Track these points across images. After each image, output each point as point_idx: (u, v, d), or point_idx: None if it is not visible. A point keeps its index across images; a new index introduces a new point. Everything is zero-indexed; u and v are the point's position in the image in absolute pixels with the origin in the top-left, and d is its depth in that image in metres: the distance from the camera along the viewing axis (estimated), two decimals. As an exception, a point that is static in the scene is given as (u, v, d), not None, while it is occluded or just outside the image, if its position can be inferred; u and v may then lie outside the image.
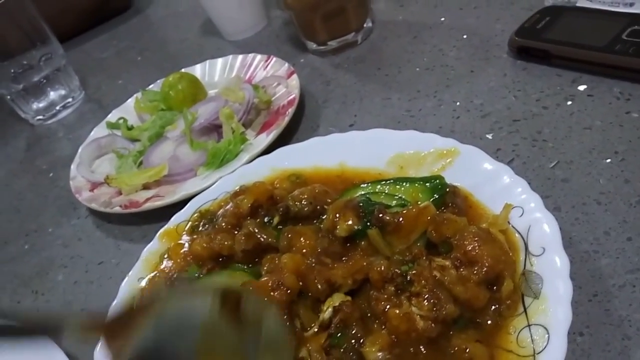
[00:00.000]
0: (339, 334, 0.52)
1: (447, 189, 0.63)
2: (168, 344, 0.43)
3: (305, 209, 0.67)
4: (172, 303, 0.45)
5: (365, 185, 0.67)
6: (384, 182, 0.66)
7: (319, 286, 0.55)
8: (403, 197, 0.63)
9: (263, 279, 0.56)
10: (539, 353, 0.47)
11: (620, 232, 0.60)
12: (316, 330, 0.53)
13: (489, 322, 0.52)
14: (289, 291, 0.54)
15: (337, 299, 0.54)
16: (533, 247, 0.55)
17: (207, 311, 0.44)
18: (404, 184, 0.64)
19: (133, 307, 0.44)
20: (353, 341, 0.51)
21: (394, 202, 0.62)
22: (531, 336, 0.49)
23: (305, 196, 0.68)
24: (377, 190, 0.65)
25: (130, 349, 0.42)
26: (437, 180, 0.63)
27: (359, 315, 0.53)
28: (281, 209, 0.68)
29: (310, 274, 0.55)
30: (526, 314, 0.51)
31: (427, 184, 0.63)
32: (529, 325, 0.50)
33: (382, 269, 0.52)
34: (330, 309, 0.53)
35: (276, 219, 0.69)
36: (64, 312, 0.40)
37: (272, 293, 0.53)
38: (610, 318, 0.53)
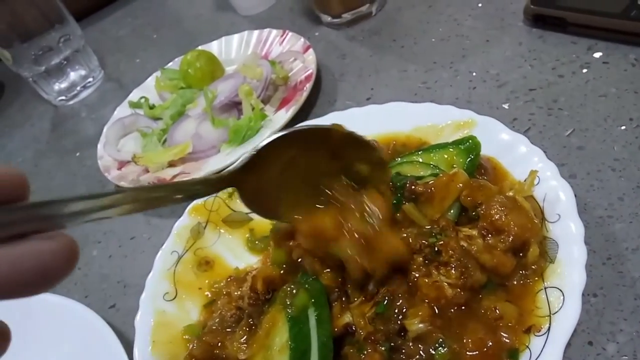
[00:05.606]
0: (385, 304, 0.54)
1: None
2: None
3: None
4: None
5: (400, 159, 0.69)
6: (417, 152, 0.68)
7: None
8: (437, 165, 0.64)
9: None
10: (554, 313, 0.50)
11: (634, 198, 0.62)
12: (363, 299, 0.56)
13: (516, 284, 0.54)
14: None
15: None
16: (549, 214, 0.58)
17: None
18: (438, 150, 0.66)
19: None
20: (396, 311, 0.54)
21: (429, 171, 0.64)
22: (547, 298, 0.52)
23: None
24: (412, 160, 0.67)
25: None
26: (471, 141, 0.64)
27: (405, 288, 0.55)
28: None
29: None
30: (542, 277, 0.54)
31: (461, 146, 0.64)
32: (545, 288, 0.53)
33: (410, 241, 0.55)
34: (373, 283, 0.55)
35: None
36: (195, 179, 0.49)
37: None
38: (624, 280, 0.56)
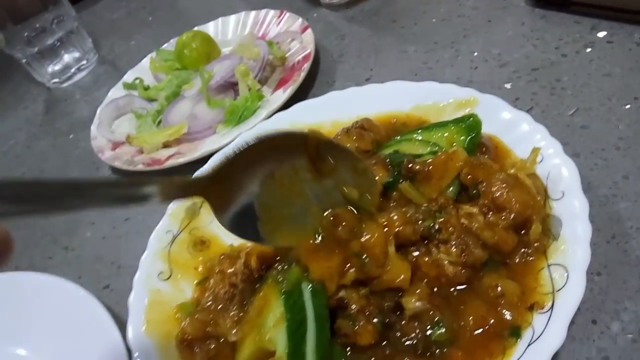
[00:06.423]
0: None
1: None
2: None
3: None
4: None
5: (399, 137, 0.67)
6: (417, 130, 0.66)
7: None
8: (437, 143, 0.63)
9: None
10: (558, 290, 0.49)
11: (639, 176, 0.60)
12: None
13: (518, 262, 0.53)
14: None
15: None
16: (552, 192, 0.56)
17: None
18: (438, 128, 0.64)
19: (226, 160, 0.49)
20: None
21: (428, 149, 0.62)
22: (550, 275, 0.51)
23: None
24: (411, 138, 0.65)
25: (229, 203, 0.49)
26: (472, 118, 0.63)
27: None
28: None
29: None
30: (545, 255, 0.53)
31: (462, 124, 0.63)
32: (548, 266, 0.52)
33: (406, 231, 0.53)
34: None
35: None
36: (157, 179, 0.44)
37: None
38: (628, 258, 0.55)
